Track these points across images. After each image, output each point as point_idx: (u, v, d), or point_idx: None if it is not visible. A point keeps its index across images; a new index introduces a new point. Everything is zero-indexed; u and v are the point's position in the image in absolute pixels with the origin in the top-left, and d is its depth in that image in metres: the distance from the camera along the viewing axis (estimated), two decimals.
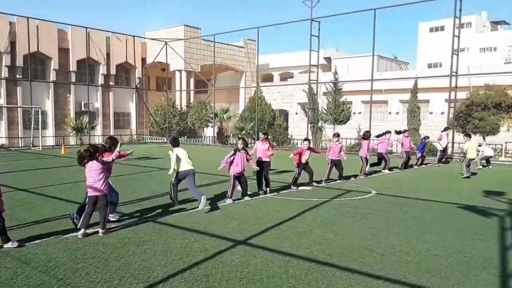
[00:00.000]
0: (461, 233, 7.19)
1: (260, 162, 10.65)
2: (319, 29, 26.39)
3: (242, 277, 5.11)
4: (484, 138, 26.03)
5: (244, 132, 34.71)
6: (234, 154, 9.68)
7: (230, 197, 9.67)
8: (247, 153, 9.92)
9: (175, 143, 9.38)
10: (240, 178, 9.85)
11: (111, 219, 7.59)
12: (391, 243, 6.61)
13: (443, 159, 19.61)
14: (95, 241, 6.49)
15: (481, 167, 17.61)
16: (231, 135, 38.45)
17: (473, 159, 15.47)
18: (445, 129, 19.98)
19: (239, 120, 36.53)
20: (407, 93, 31.21)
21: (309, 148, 11.94)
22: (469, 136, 16.59)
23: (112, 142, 7.68)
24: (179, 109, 39.55)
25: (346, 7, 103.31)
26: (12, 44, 32.43)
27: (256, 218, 8.13)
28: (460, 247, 6.42)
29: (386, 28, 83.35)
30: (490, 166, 18.11)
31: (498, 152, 25.21)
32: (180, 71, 41.12)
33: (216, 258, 5.77)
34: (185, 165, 9.06)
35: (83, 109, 36.15)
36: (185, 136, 37.17)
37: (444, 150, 19.63)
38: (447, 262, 5.73)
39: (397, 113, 37.47)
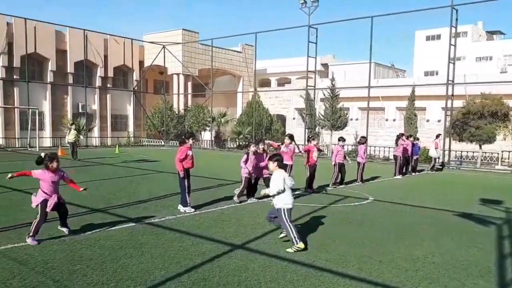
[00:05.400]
0: (457, 241, 7.19)
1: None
2: (316, 36, 26.51)
3: (240, 281, 5.09)
4: (480, 147, 26.13)
5: (241, 136, 34.76)
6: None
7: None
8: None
9: None
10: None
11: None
12: (388, 249, 6.61)
13: (436, 167, 19.62)
14: (92, 243, 6.45)
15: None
16: (228, 139, 38.44)
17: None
18: (437, 136, 19.97)
19: (236, 124, 36.56)
20: (404, 100, 31.34)
21: (315, 146, 12.24)
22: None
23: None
24: (177, 112, 39.52)
25: (343, 14, 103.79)
26: (10, 45, 32.29)
27: (254, 223, 8.11)
28: (457, 254, 6.42)
29: (383, 36, 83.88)
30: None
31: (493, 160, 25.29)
32: (178, 74, 41.11)
33: (214, 262, 5.74)
34: None
35: (80, 110, 36.05)
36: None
37: (437, 157, 19.72)
38: (444, 270, 5.73)
39: (394, 120, 37.58)
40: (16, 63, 32.66)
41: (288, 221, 6.41)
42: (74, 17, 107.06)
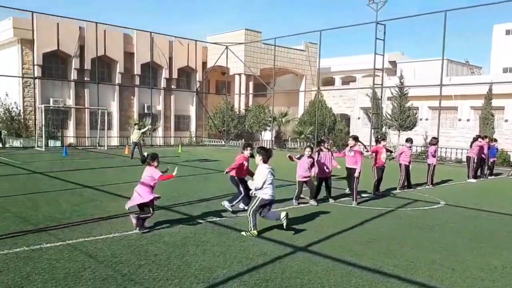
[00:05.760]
0: None
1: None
2: (384, 32, 25.88)
3: (303, 284, 5.06)
4: None
5: (302, 136, 34.58)
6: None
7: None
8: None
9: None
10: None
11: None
12: (462, 257, 6.28)
13: None
14: (157, 239, 6.71)
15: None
16: (289, 139, 38.40)
17: None
18: None
19: (298, 124, 36.41)
20: (479, 99, 29.69)
21: (384, 147, 11.92)
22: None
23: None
24: (238, 112, 40.09)
25: (412, 9, 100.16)
26: (81, 48, 34.41)
27: (317, 225, 8.04)
28: None
29: (457, 31, 79.75)
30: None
31: None
32: (239, 74, 41.69)
33: (276, 263, 5.75)
34: None
35: (146, 111, 37.66)
36: (243, 139, 37.56)
37: None
38: None
39: (468, 120, 35.67)
40: (87, 65, 34.75)
41: (254, 210, 7.12)
42: (142, 20, 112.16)
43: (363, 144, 11.07)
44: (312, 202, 9.96)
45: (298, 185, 10.00)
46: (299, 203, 9.92)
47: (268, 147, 20.67)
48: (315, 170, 10.04)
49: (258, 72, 40.76)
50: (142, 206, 7.14)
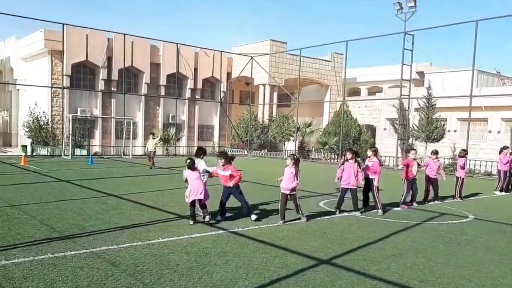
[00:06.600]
0: None
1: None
2: (412, 43, 25.63)
3: None
4: None
5: (327, 147, 34.36)
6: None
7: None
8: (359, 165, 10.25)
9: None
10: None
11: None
12: (492, 273, 6.09)
13: None
14: (178, 248, 6.74)
15: None
16: (313, 150, 38.20)
17: None
18: None
19: (322, 134, 36.22)
20: (511, 110, 28.93)
21: (415, 159, 11.80)
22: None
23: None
24: (261, 123, 40.16)
25: (440, 19, 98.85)
26: (109, 59, 35.22)
27: (341, 238, 7.93)
28: None
29: (488, 40, 78.14)
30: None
31: None
32: (264, 85, 41.84)
33: (298, 276, 5.69)
34: None
35: (170, 121, 38.15)
36: (266, 150, 37.55)
37: None
38: None
39: (499, 132, 34.79)
40: (114, 76, 35.51)
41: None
42: (168, 32, 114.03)
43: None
44: (337, 213, 9.97)
45: (280, 199, 8.95)
46: (285, 222, 8.88)
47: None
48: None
49: (282, 82, 40.84)
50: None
